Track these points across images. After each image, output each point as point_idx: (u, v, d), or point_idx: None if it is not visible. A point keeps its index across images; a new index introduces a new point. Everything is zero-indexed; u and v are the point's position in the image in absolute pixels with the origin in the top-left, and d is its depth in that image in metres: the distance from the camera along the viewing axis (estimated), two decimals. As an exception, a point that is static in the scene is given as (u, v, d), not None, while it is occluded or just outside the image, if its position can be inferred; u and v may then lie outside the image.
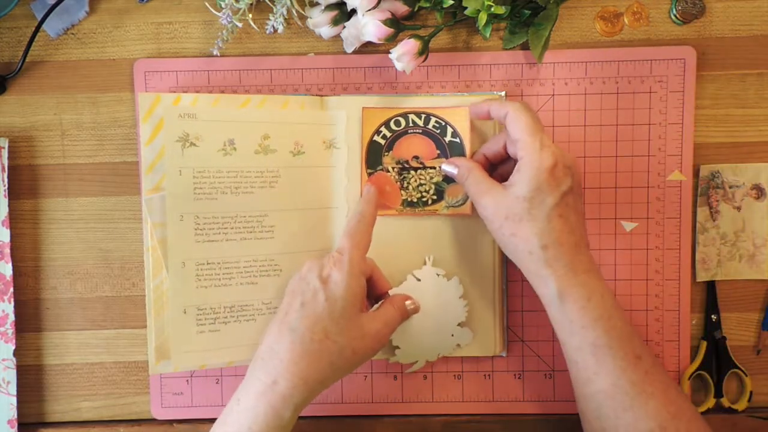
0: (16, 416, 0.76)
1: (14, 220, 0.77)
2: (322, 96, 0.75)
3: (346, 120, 0.74)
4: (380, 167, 0.74)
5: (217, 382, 0.78)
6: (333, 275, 0.64)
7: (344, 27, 0.73)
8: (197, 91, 0.76)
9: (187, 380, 0.78)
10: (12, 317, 0.76)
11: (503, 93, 0.75)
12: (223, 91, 0.76)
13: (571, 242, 0.63)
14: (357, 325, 0.63)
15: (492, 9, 0.68)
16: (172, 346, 0.69)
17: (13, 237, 0.76)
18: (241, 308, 0.71)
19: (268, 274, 0.72)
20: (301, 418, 0.77)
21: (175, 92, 0.75)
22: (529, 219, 0.62)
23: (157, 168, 0.69)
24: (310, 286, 0.64)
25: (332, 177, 0.75)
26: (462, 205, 0.73)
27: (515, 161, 0.65)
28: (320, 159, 0.74)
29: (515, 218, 0.63)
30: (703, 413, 0.76)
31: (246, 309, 0.72)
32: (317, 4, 0.73)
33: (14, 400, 0.76)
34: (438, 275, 0.74)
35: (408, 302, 0.69)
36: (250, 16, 0.71)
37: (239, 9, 0.71)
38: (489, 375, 0.77)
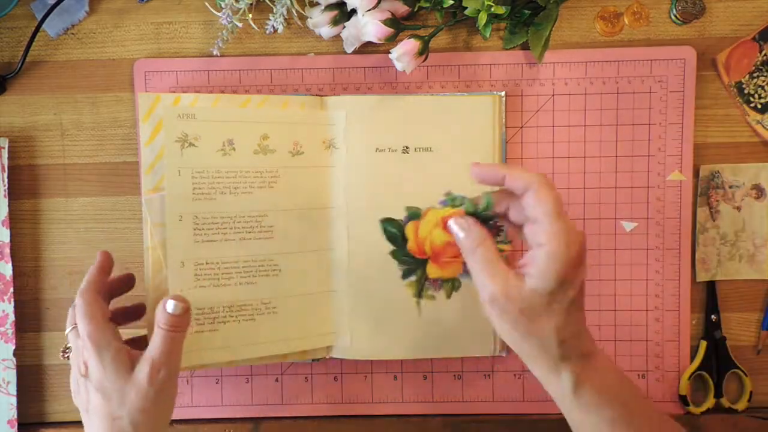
0: (16, 416, 0.76)
1: (14, 220, 0.77)
2: (321, 96, 0.75)
3: (346, 120, 0.74)
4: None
5: (217, 382, 0.78)
6: (89, 364, 0.61)
7: (344, 27, 0.73)
8: (197, 91, 0.76)
9: (187, 380, 0.78)
10: (12, 317, 0.76)
11: (503, 93, 0.74)
12: (222, 91, 0.76)
13: (583, 328, 0.57)
14: (127, 389, 0.60)
15: (492, 9, 0.68)
16: None
17: (13, 237, 0.76)
18: (240, 308, 0.71)
19: (267, 274, 0.72)
20: (301, 418, 0.77)
21: (175, 92, 0.76)
22: (548, 314, 0.54)
23: (157, 168, 0.69)
24: (80, 391, 0.63)
25: (331, 177, 0.74)
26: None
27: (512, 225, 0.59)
28: (319, 159, 0.74)
29: (532, 314, 0.54)
30: (703, 413, 0.76)
31: (245, 309, 0.71)
32: (317, 4, 0.73)
33: (14, 400, 0.76)
34: None
35: (169, 304, 0.63)
36: (250, 16, 0.71)
37: (239, 9, 0.71)
38: (489, 375, 0.77)
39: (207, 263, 0.70)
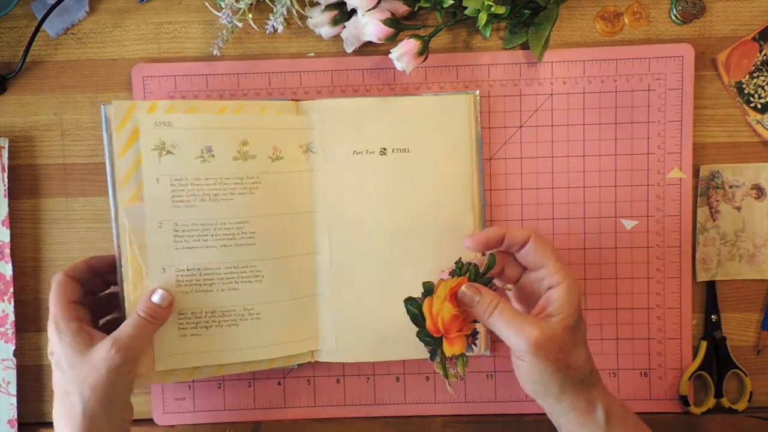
0: (16, 416, 0.76)
1: (14, 220, 0.77)
2: (297, 101, 0.75)
3: (322, 124, 0.74)
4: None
5: (219, 387, 0.78)
6: (50, 340, 0.65)
7: (344, 27, 0.73)
8: (196, 96, 0.76)
9: (189, 385, 0.78)
10: (12, 317, 0.76)
11: (477, 92, 0.75)
12: (222, 95, 0.76)
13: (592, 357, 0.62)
14: (82, 364, 0.63)
15: (492, 9, 0.68)
16: (156, 350, 0.69)
17: (13, 237, 0.76)
18: (223, 313, 0.71)
19: (249, 280, 0.71)
20: (302, 419, 0.77)
21: (173, 97, 0.76)
22: (577, 347, 0.60)
23: (134, 178, 0.68)
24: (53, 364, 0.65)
25: (311, 181, 0.74)
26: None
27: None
28: (298, 164, 0.74)
29: (567, 349, 0.59)
30: (703, 413, 0.76)
31: (228, 314, 0.71)
32: (317, 4, 0.73)
33: (14, 400, 0.76)
34: None
35: (157, 293, 0.67)
36: (250, 16, 0.71)
37: (239, 9, 0.71)
38: (491, 375, 0.77)
39: (188, 270, 0.69)
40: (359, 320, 0.74)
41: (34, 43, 0.75)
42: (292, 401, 0.78)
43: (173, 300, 0.68)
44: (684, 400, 0.76)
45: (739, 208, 0.76)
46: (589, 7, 0.76)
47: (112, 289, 0.72)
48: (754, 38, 0.75)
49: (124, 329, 0.64)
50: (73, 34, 0.77)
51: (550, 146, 0.76)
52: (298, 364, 0.75)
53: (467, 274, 0.62)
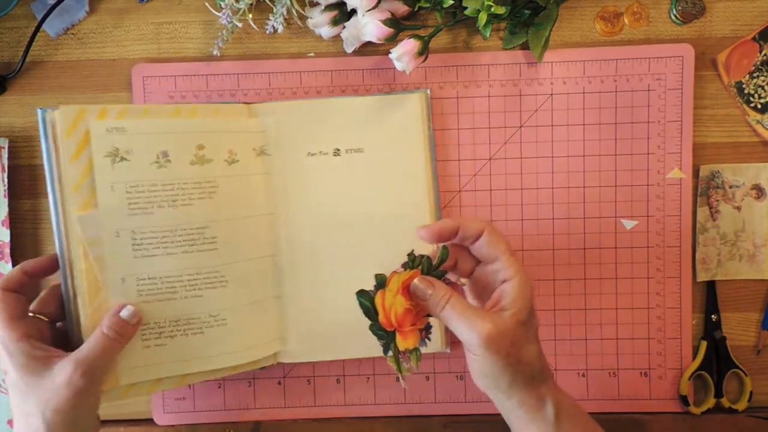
0: (15, 416, 0.76)
1: (14, 220, 0.77)
2: (248, 103, 0.74)
3: (275, 126, 0.74)
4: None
5: (219, 387, 0.78)
6: (2, 360, 0.61)
7: (344, 27, 0.73)
8: (196, 96, 0.76)
9: (189, 385, 0.78)
10: (12, 317, 0.76)
11: (428, 91, 0.75)
12: (221, 95, 0.76)
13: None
14: (43, 386, 0.59)
15: (492, 9, 0.68)
16: (119, 363, 0.66)
17: (13, 237, 0.76)
18: (188, 322, 0.69)
19: (213, 286, 0.70)
20: (303, 420, 0.77)
21: (173, 97, 0.76)
22: (529, 341, 0.59)
23: (85, 185, 0.65)
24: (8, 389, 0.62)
25: (267, 183, 0.74)
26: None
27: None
28: (254, 167, 0.73)
29: (519, 344, 0.58)
30: (703, 413, 0.76)
31: (192, 322, 0.69)
32: (317, 4, 0.73)
33: (14, 400, 0.76)
34: None
35: (126, 309, 0.64)
36: (250, 16, 0.72)
37: (239, 9, 0.71)
38: (489, 375, 0.77)
39: (149, 278, 0.67)
40: (320, 320, 0.75)
41: (34, 43, 0.75)
42: (292, 401, 0.78)
43: (141, 317, 0.66)
44: (684, 400, 0.76)
45: (739, 208, 0.76)
46: (589, 7, 0.76)
47: None
48: (754, 38, 0.75)
49: (89, 349, 0.61)
50: (73, 34, 0.77)
51: (550, 146, 0.76)
52: (262, 367, 0.75)
53: (420, 267, 0.61)
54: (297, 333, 0.75)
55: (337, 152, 0.74)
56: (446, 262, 0.61)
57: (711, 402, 0.77)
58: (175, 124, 0.69)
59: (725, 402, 0.77)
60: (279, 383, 0.78)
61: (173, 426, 0.78)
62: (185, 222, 0.68)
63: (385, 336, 0.60)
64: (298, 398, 0.78)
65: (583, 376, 0.77)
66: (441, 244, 0.62)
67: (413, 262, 0.61)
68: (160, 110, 0.69)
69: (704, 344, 0.76)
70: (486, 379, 0.59)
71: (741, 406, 0.77)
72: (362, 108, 0.74)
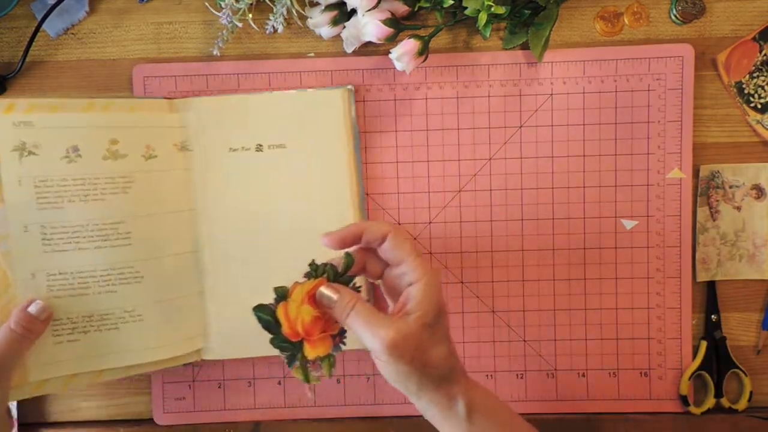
0: (16, 416, 0.76)
1: (14, 220, 0.77)
2: (170, 99, 0.74)
3: (197, 121, 0.73)
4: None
5: (219, 387, 0.78)
6: None
7: (344, 27, 0.73)
8: (196, 96, 0.76)
9: (189, 385, 0.78)
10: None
11: (351, 87, 0.75)
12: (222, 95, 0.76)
13: (456, 353, 0.61)
14: None
15: (492, 9, 0.68)
16: (29, 358, 0.66)
17: (13, 237, 0.76)
18: (101, 317, 0.69)
19: (128, 281, 0.70)
20: (303, 420, 0.77)
21: (174, 97, 0.75)
22: (435, 344, 0.58)
23: None
24: None
25: (188, 179, 0.74)
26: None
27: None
28: (173, 162, 0.73)
29: (423, 347, 0.58)
30: (703, 413, 0.76)
31: (107, 318, 0.69)
32: (317, 4, 0.73)
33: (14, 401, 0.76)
34: None
35: (34, 304, 0.64)
36: (250, 16, 0.71)
37: (239, 9, 0.71)
38: (491, 375, 0.77)
39: (60, 274, 0.67)
40: (242, 317, 0.73)
41: (34, 43, 0.75)
42: (292, 401, 0.78)
43: (52, 313, 0.65)
44: (684, 400, 0.76)
45: (739, 208, 0.76)
46: (589, 7, 0.76)
47: None
48: (754, 38, 0.75)
49: None
50: (73, 34, 0.77)
51: (550, 146, 0.76)
52: (184, 364, 0.74)
53: (325, 275, 0.60)
54: (220, 330, 0.74)
55: (259, 148, 0.74)
56: (354, 267, 0.61)
57: (711, 402, 0.77)
58: (86, 119, 0.69)
59: (725, 402, 0.77)
60: (279, 383, 0.78)
61: (173, 426, 0.78)
62: (98, 217, 0.68)
63: (290, 348, 0.60)
64: (298, 398, 0.78)
65: (583, 376, 0.77)
66: (345, 251, 0.61)
67: (316, 270, 0.60)
68: (71, 105, 0.69)
69: (704, 344, 0.76)
70: (395, 383, 0.59)
71: (741, 406, 0.77)
72: (285, 103, 0.74)
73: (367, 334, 0.57)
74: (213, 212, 0.74)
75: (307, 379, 0.60)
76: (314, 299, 0.60)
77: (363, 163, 0.76)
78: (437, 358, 0.58)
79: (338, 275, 0.61)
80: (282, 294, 0.59)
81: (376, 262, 0.63)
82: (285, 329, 0.59)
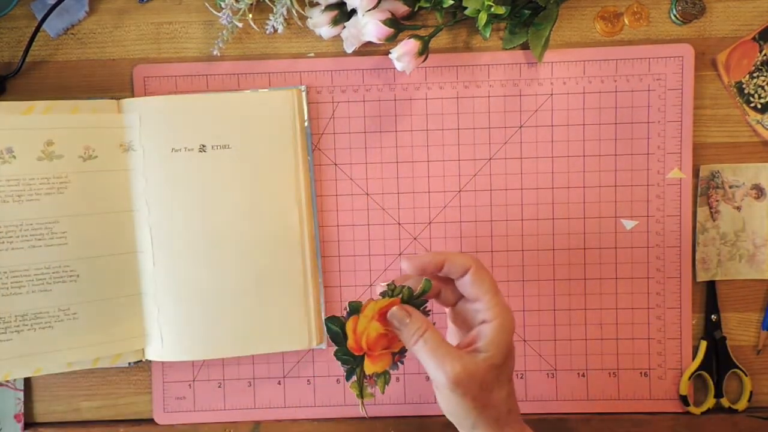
0: (22, 410, 0.76)
1: (14, 220, 0.77)
2: (117, 99, 0.74)
3: (140, 121, 0.73)
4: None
5: (219, 386, 0.78)
6: None
7: (344, 27, 0.73)
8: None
9: (189, 384, 0.78)
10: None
11: (303, 87, 0.75)
12: (222, 94, 0.76)
13: (515, 394, 0.61)
14: None
15: (492, 9, 0.68)
16: None
17: (13, 237, 0.76)
18: (35, 316, 0.70)
19: (63, 280, 0.70)
20: (303, 420, 0.77)
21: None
22: (500, 385, 0.58)
23: None
24: None
25: (130, 180, 0.74)
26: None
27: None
28: (116, 162, 0.73)
29: (488, 387, 0.57)
30: (703, 413, 0.76)
31: (41, 316, 0.70)
32: (317, 4, 0.73)
33: (21, 394, 0.77)
34: None
35: None
36: (250, 16, 0.72)
37: (239, 9, 0.71)
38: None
39: None
40: (184, 318, 0.74)
41: (34, 43, 0.75)
42: (292, 401, 0.78)
43: None
44: (684, 400, 0.76)
45: (739, 208, 0.76)
46: (589, 7, 0.76)
47: None
48: (754, 38, 0.75)
49: None
50: (73, 34, 0.77)
51: (550, 146, 0.76)
52: (129, 363, 0.75)
53: (400, 296, 0.60)
54: (160, 331, 0.74)
55: (202, 148, 0.74)
56: (428, 293, 0.61)
57: (711, 402, 0.77)
58: (21, 121, 0.69)
59: (725, 402, 0.77)
60: (279, 383, 0.78)
61: (173, 426, 0.78)
62: (32, 217, 0.69)
63: (351, 361, 0.60)
64: (298, 398, 0.78)
65: (583, 376, 0.77)
66: (425, 278, 0.60)
67: (393, 291, 0.60)
68: (12, 107, 0.70)
69: (704, 344, 0.76)
70: (450, 416, 0.59)
71: (741, 406, 0.77)
72: (230, 104, 0.74)
73: (431, 364, 0.57)
74: (155, 213, 0.74)
75: (361, 395, 0.60)
76: (384, 317, 0.59)
77: (363, 163, 0.76)
78: (498, 399, 0.58)
79: (412, 298, 0.60)
80: (355, 308, 0.59)
81: (451, 292, 0.62)
82: (350, 342, 0.59)
